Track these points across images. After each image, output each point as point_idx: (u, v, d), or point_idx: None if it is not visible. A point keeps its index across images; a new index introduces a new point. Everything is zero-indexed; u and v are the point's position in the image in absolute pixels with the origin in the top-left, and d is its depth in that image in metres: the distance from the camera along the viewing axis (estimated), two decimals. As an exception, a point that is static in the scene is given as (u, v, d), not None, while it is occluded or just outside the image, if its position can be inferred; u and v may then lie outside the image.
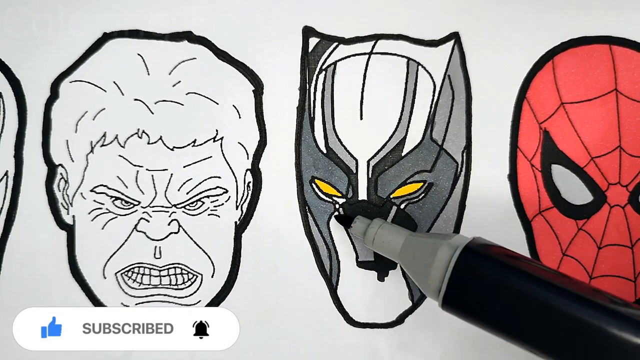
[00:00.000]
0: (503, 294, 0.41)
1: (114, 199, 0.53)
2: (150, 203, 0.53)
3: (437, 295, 0.44)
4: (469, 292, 0.42)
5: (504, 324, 0.41)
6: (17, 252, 0.53)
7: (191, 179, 0.53)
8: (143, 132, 0.53)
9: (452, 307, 0.43)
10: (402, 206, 0.54)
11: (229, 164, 0.54)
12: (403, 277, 0.53)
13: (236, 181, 0.54)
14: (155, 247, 0.53)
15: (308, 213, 0.54)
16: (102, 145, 0.53)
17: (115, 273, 0.53)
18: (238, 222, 0.54)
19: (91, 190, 0.53)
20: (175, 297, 0.53)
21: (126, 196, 0.53)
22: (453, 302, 0.43)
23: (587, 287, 0.42)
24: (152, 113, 0.54)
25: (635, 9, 0.54)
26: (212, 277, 0.53)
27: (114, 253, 0.53)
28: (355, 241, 0.54)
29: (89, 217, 0.53)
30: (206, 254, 0.53)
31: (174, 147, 0.53)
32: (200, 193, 0.53)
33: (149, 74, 0.54)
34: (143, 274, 0.53)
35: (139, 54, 0.54)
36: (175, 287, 0.53)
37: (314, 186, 0.54)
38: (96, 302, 0.53)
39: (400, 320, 0.53)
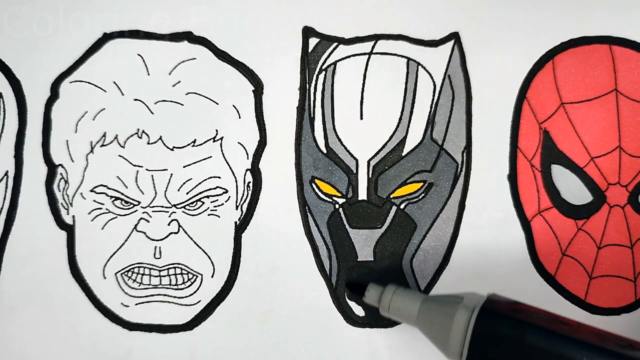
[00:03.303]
0: (523, 351, 0.42)
1: (113, 199, 0.53)
2: (150, 203, 0.53)
3: (459, 359, 0.44)
4: (490, 353, 0.43)
5: None
6: (17, 252, 0.53)
7: (191, 179, 0.53)
8: (143, 132, 0.53)
9: None
10: (402, 206, 0.54)
11: (228, 164, 0.54)
12: (403, 277, 0.53)
13: (236, 181, 0.54)
14: (155, 247, 0.53)
15: (308, 213, 0.54)
16: (102, 146, 0.53)
17: (115, 273, 0.53)
18: (238, 222, 0.54)
19: (91, 191, 0.53)
20: (175, 297, 0.53)
21: (126, 196, 0.53)
22: None
23: (598, 333, 0.43)
24: (152, 113, 0.54)
25: (635, 8, 0.54)
26: (212, 277, 0.53)
27: (114, 253, 0.53)
28: (355, 241, 0.54)
29: (89, 217, 0.53)
30: (206, 254, 0.53)
31: (173, 147, 0.53)
32: (200, 193, 0.53)
33: (149, 74, 0.54)
34: (143, 274, 0.53)
35: (139, 54, 0.54)
36: (175, 287, 0.53)
37: (314, 186, 0.54)
38: (96, 302, 0.53)
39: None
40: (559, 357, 0.41)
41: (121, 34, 0.55)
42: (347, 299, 0.53)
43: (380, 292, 0.50)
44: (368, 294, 0.50)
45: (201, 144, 0.54)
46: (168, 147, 0.53)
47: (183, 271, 0.53)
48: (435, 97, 0.54)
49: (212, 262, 0.53)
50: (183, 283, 0.53)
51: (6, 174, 0.54)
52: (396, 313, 0.48)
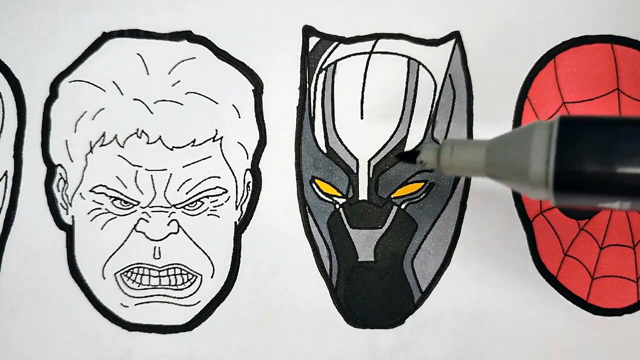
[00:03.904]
0: (624, 142, 0.36)
1: (113, 199, 0.53)
2: (150, 203, 0.53)
3: (544, 185, 0.37)
4: (584, 163, 0.36)
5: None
6: (17, 252, 0.53)
7: (191, 179, 0.53)
8: (142, 132, 0.53)
9: (567, 191, 0.37)
10: (403, 206, 0.53)
11: (228, 164, 0.54)
12: (403, 276, 0.53)
13: (236, 181, 0.54)
14: (155, 247, 0.53)
15: (308, 213, 0.54)
16: (102, 145, 0.53)
17: (115, 273, 0.53)
18: (238, 222, 0.54)
19: (90, 191, 0.53)
20: (174, 297, 0.53)
21: (125, 196, 0.53)
22: (566, 183, 0.36)
23: None
24: (152, 113, 0.54)
25: (638, 8, 0.54)
26: (211, 277, 0.53)
27: (114, 253, 0.53)
28: (356, 241, 0.53)
29: (88, 217, 0.53)
30: (206, 254, 0.53)
31: (173, 147, 0.53)
32: (200, 193, 0.53)
33: (148, 74, 0.54)
34: (142, 275, 0.53)
35: (138, 54, 0.54)
36: (175, 287, 0.53)
37: (314, 186, 0.54)
38: (95, 303, 0.53)
39: (400, 320, 0.53)
40: None
41: (121, 34, 0.55)
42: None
43: (436, 150, 0.43)
44: (423, 156, 0.44)
45: (201, 144, 0.54)
46: (167, 147, 0.53)
47: (183, 271, 0.53)
48: (436, 97, 0.54)
49: (211, 262, 0.53)
50: (183, 283, 0.53)
51: (5, 173, 0.54)
52: (461, 167, 0.42)
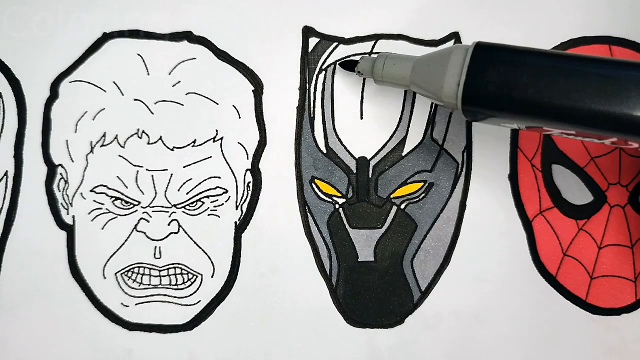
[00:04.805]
0: (524, 74, 0.40)
1: (113, 199, 0.53)
2: (150, 203, 0.53)
3: (454, 102, 0.42)
4: (489, 83, 0.41)
5: (531, 105, 0.41)
6: (17, 252, 0.53)
7: (191, 179, 0.53)
8: (143, 132, 0.53)
9: (472, 109, 0.42)
10: (403, 206, 0.54)
11: (228, 164, 0.54)
12: (403, 275, 0.53)
13: (236, 181, 0.54)
14: (155, 247, 0.53)
15: (308, 213, 0.54)
16: (102, 146, 0.53)
17: (115, 273, 0.53)
18: (238, 222, 0.54)
19: (91, 191, 0.53)
20: (175, 297, 0.53)
21: (126, 196, 0.53)
22: (472, 98, 0.42)
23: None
24: (152, 113, 0.54)
25: (635, 9, 0.54)
26: (212, 277, 0.53)
27: (114, 253, 0.53)
28: (356, 241, 0.54)
29: (89, 217, 0.53)
30: (206, 254, 0.53)
31: (173, 147, 0.53)
32: (200, 193, 0.53)
33: (148, 74, 0.54)
34: (143, 274, 0.53)
35: (138, 54, 0.54)
36: (175, 287, 0.53)
37: (314, 186, 0.54)
38: (96, 302, 0.53)
39: (400, 320, 0.53)
40: (564, 71, 0.40)
41: (121, 34, 0.55)
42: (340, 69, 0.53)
43: (372, 60, 0.49)
44: (360, 65, 0.50)
45: (201, 144, 0.54)
46: (168, 147, 0.53)
47: (183, 271, 0.53)
48: (436, 97, 0.54)
49: (212, 262, 0.53)
50: (183, 283, 0.53)
51: (6, 173, 0.54)
52: (390, 76, 0.48)
